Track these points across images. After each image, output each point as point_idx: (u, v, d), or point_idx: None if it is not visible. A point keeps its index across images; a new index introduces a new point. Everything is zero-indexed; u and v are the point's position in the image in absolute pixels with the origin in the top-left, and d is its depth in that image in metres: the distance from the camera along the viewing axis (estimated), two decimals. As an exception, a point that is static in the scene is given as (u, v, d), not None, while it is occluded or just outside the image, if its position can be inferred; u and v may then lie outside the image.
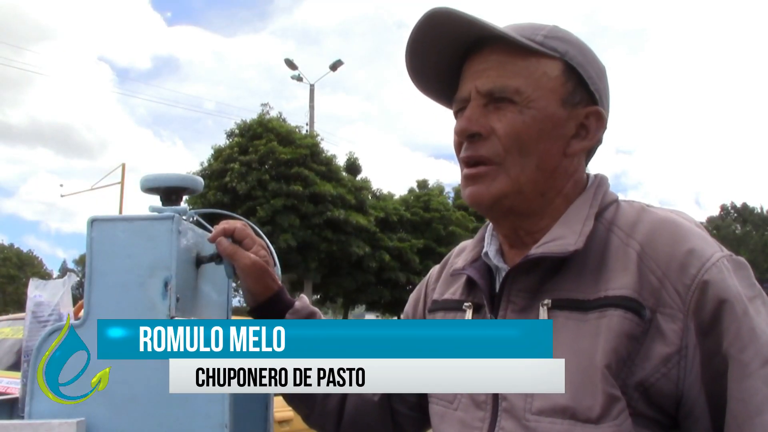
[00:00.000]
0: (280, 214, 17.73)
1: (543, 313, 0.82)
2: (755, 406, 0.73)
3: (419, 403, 1.03)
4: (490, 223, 0.98)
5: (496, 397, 0.85)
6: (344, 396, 1.09)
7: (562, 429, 0.77)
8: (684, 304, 0.76)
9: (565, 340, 0.80)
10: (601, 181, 0.92)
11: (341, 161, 20.96)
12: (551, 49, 0.87)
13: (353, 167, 21.54)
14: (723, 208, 47.69)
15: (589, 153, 0.93)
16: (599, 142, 0.92)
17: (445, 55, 0.91)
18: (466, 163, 0.89)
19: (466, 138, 0.88)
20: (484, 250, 0.95)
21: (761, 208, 46.25)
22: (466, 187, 0.90)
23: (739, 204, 47.01)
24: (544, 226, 0.89)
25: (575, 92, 0.87)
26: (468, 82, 0.89)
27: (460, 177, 0.91)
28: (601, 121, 0.89)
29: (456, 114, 0.92)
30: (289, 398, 1.11)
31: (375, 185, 22.64)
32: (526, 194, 0.86)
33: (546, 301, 0.83)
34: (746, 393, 0.73)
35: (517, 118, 0.85)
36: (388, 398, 1.09)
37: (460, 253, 1.04)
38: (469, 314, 0.93)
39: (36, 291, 1.18)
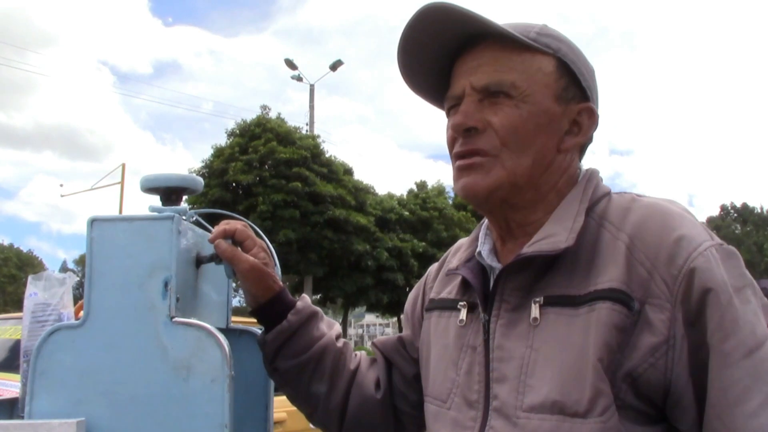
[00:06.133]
0: (280, 209, 17.77)
1: (535, 311, 0.83)
2: (735, 396, 0.72)
3: (421, 402, 1.03)
4: (485, 222, 0.99)
5: (487, 397, 0.85)
6: (347, 394, 1.09)
7: (551, 425, 0.77)
8: (672, 294, 0.76)
9: (556, 336, 0.80)
10: (591, 175, 0.92)
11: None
12: (544, 46, 0.88)
13: (344, 170, 21.53)
14: (723, 208, 47.68)
15: (581, 150, 0.94)
16: (590, 139, 0.93)
17: (436, 53, 0.92)
18: (461, 157, 0.89)
19: (462, 133, 0.88)
20: (477, 250, 0.96)
21: (761, 208, 46.26)
22: (459, 178, 0.89)
23: (739, 204, 47.00)
24: (535, 219, 0.89)
25: (568, 88, 0.89)
26: (461, 78, 0.89)
27: (453, 171, 0.91)
28: (593, 118, 0.90)
29: (448, 111, 0.93)
30: (293, 397, 1.11)
31: (374, 185, 22.66)
32: (520, 187, 0.87)
33: (538, 299, 0.83)
34: (726, 383, 0.73)
35: (514, 111, 0.85)
36: (390, 397, 1.10)
37: (457, 252, 1.04)
38: (463, 313, 0.94)
39: (34, 288, 1.19)
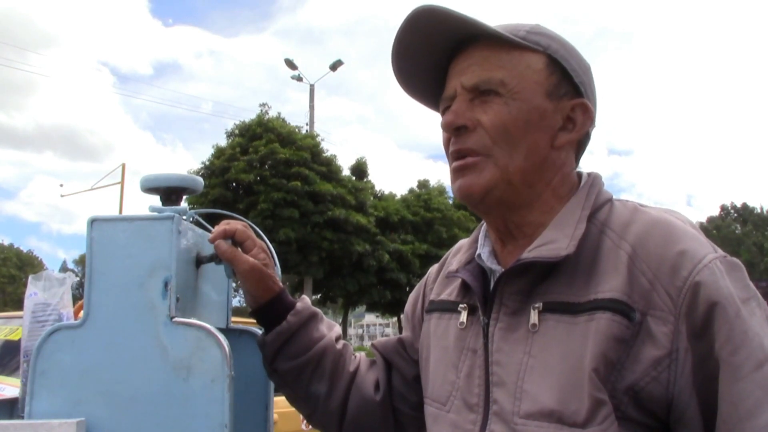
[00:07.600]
0: (280, 208, 17.79)
1: (534, 317, 0.82)
2: (746, 409, 0.71)
3: (421, 403, 1.03)
4: (484, 224, 0.98)
5: (487, 401, 0.85)
6: (347, 395, 1.09)
7: None
8: (675, 307, 0.75)
9: (554, 343, 0.80)
10: (594, 180, 0.92)
11: (346, 164, 21.02)
12: (534, 44, 0.88)
13: (360, 171, 21.53)
14: (723, 208, 47.69)
15: (579, 148, 0.93)
16: (587, 136, 0.92)
17: (430, 56, 0.92)
18: (455, 156, 0.89)
19: (452, 131, 0.89)
20: (477, 252, 0.95)
21: (761, 208, 46.27)
22: (455, 180, 0.90)
23: (739, 204, 47.02)
24: (533, 219, 0.89)
25: (560, 85, 0.88)
26: (453, 79, 0.90)
27: (450, 173, 0.91)
28: (587, 114, 0.90)
29: (443, 113, 0.93)
30: (292, 398, 1.11)
31: (376, 186, 22.64)
32: (514, 185, 0.87)
33: (537, 305, 0.83)
34: (737, 396, 0.72)
35: (503, 109, 0.86)
36: (390, 398, 1.09)
37: (457, 254, 1.04)
38: (464, 316, 0.93)
39: (34, 288, 1.19)
